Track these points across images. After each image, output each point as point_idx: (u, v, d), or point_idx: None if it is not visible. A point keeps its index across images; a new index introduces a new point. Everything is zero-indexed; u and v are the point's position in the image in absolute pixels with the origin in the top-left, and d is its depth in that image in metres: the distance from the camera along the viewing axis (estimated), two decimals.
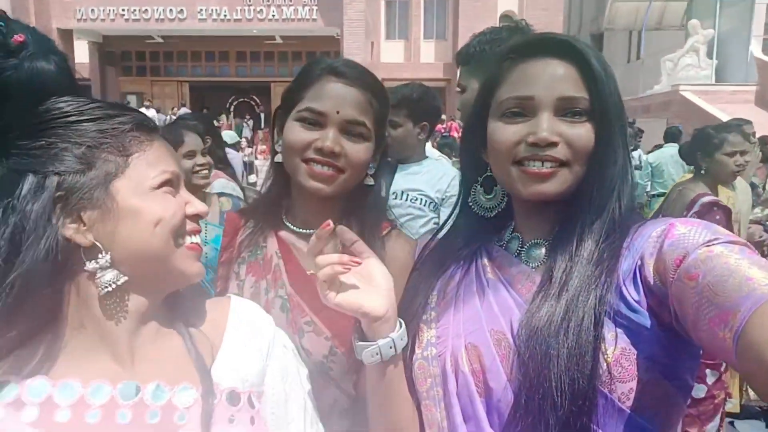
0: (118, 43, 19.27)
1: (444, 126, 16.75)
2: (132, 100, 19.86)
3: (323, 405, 0.98)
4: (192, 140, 2.31)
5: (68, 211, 0.69)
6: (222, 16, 16.97)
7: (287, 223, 1.13)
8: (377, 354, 0.79)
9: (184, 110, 17.32)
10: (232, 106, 21.42)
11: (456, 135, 14.86)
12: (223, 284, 1.15)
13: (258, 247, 1.13)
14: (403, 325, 0.81)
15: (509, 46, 0.87)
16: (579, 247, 0.77)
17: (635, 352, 0.70)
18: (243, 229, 1.16)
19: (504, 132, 0.81)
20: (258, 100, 21.74)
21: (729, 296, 0.59)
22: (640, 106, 15.31)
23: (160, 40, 18.95)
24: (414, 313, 0.88)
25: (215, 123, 16.84)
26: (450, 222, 0.99)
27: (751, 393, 3.18)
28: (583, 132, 0.78)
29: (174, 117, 16.71)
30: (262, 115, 20.72)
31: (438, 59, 23.46)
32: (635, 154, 7.16)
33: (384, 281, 0.80)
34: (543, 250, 0.84)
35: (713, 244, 0.66)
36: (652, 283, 0.71)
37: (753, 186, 3.28)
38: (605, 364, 0.70)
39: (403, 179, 2.41)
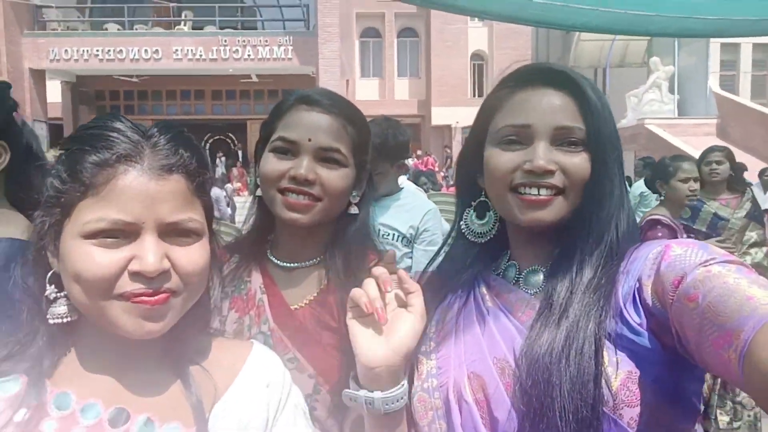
0: (92, 83, 19.17)
1: (421, 161, 16.96)
2: None
3: None
4: None
5: (50, 237, 0.69)
6: (198, 56, 17.07)
7: (272, 257, 1.11)
8: (352, 400, 0.79)
9: None
10: (208, 144, 21.37)
11: (433, 169, 15.05)
12: None
13: (242, 281, 1.10)
14: (398, 392, 0.78)
15: (508, 75, 0.88)
16: (578, 275, 0.77)
17: (641, 375, 0.70)
18: (228, 264, 1.13)
19: (500, 159, 0.82)
20: (234, 138, 21.75)
21: (731, 316, 0.59)
22: None
23: (136, 80, 18.92)
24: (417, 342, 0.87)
25: None
26: (441, 251, 0.97)
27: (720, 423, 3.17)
28: (579, 161, 0.79)
29: None
30: (240, 153, 20.70)
31: (412, 96, 23.93)
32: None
33: (399, 341, 0.78)
34: (541, 277, 0.84)
35: (710, 264, 0.66)
36: (651, 305, 0.71)
37: (717, 218, 3.34)
38: (610, 390, 0.69)
39: (375, 214, 2.39)
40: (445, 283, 0.92)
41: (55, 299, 0.69)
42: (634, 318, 0.72)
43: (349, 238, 1.08)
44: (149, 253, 0.65)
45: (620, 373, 0.70)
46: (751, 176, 7.34)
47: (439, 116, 22.54)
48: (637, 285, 0.73)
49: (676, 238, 2.70)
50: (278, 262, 1.11)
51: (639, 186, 6.41)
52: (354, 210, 1.10)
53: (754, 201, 3.45)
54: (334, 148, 1.03)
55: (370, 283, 0.79)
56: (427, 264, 1.00)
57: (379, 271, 0.80)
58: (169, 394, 0.72)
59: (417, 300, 0.81)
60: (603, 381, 0.69)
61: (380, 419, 0.79)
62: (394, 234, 2.35)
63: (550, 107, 0.80)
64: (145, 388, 0.72)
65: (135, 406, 0.69)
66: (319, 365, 1.01)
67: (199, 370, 0.75)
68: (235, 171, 17.70)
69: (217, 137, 21.62)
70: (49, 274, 0.69)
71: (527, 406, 0.72)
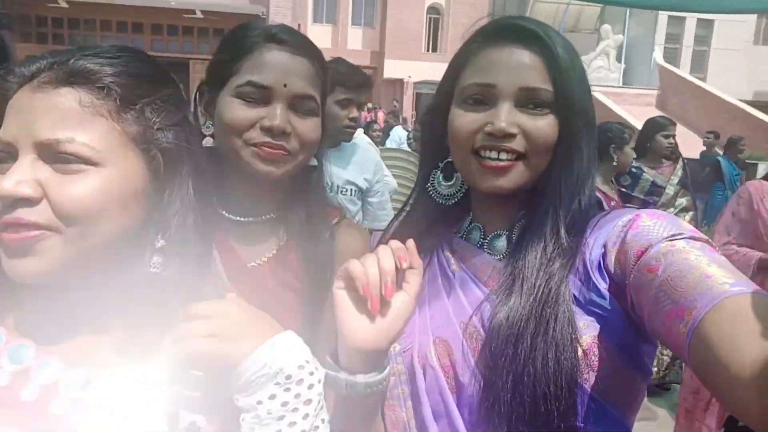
0: (16, 5, 17.45)
1: (370, 115, 16.73)
2: None
3: None
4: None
5: None
6: None
7: (222, 211, 1.00)
8: (330, 382, 0.68)
9: None
10: None
11: (382, 125, 14.89)
12: None
13: None
14: (382, 375, 0.68)
15: (478, 30, 0.83)
16: (543, 242, 0.76)
17: (605, 338, 0.70)
18: None
19: (463, 119, 0.78)
20: (175, 77, 20.57)
21: (686, 292, 0.59)
22: None
23: (65, 5, 17.34)
24: None
25: None
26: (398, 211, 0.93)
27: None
28: (542, 125, 0.76)
29: None
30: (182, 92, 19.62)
31: (365, 46, 23.36)
32: None
33: (390, 324, 0.66)
34: (505, 242, 0.82)
35: (676, 239, 0.66)
36: (612, 271, 0.71)
37: (655, 185, 3.49)
38: (581, 354, 0.69)
39: (333, 169, 2.28)
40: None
41: None
42: (601, 283, 0.72)
43: (309, 191, 1.00)
44: (6, 176, 0.56)
45: (587, 338, 0.70)
46: (683, 149, 7.71)
47: (392, 69, 22.18)
48: (603, 251, 0.73)
49: (602, 208, 2.75)
50: (230, 216, 1.00)
51: None
52: (313, 161, 1.01)
53: (684, 169, 3.64)
54: (310, 95, 0.93)
55: (371, 261, 0.66)
56: (388, 225, 0.94)
57: (397, 245, 0.68)
58: (116, 352, 0.64)
59: (415, 279, 0.68)
60: (578, 347, 0.69)
61: (359, 403, 0.70)
62: (352, 189, 2.28)
63: (517, 66, 0.76)
64: (104, 346, 0.64)
65: (94, 369, 0.61)
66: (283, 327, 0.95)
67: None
68: None
69: None
70: None
71: (493, 372, 0.71)
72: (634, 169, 3.31)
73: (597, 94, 14.60)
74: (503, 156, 0.76)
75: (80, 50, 0.62)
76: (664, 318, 0.61)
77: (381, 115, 18.10)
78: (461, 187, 0.87)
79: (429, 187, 0.89)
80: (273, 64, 0.91)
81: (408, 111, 21.24)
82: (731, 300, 0.55)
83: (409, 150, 5.98)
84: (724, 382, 0.53)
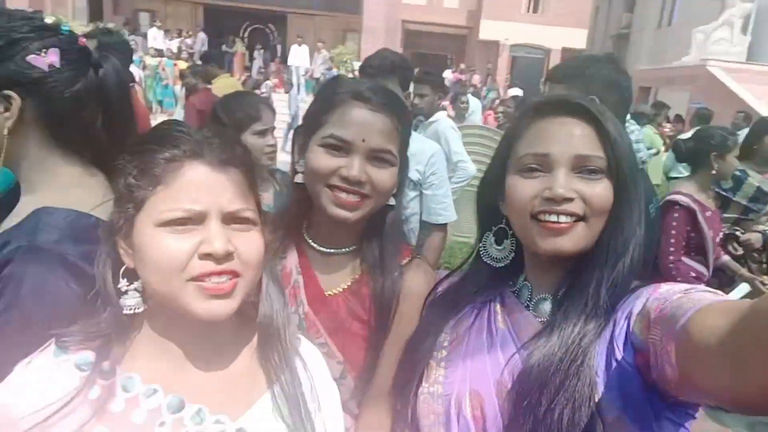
0: None
1: (465, 77, 16.32)
2: (144, 18, 19.27)
3: None
4: (268, 118, 2.17)
5: (123, 232, 0.75)
6: None
7: (308, 239, 1.13)
8: None
9: (202, 36, 16.79)
10: (246, 33, 20.78)
11: (477, 86, 14.48)
12: None
13: (276, 256, 1.12)
14: None
15: (527, 106, 0.91)
16: (586, 298, 0.80)
17: (626, 416, 0.73)
18: None
19: (521, 186, 0.85)
20: (274, 30, 21.07)
21: (678, 315, 0.63)
22: (665, 77, 14.89)
23: None
24: (426, 349, 0.93)
25: (228, 50, 16.25)
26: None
27: None
28: (599, 190, 0.82)
29: (190, 41, 16.25)
30: (279, 47, 20.14)
31: (462, 5, 22.60)
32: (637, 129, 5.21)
33: None
34: (549, 306, 0.87)
35: (689, 292, 0.69)
36: (635, 338, 0.74)
37: (761, 192, 3.12)
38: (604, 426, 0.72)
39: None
40: (462, 296, 0.97)
41: (126, 291, 0.76)
42: (626, 356, 0.75)
43: (385, 229, 1.10)
44: (217, 237, 0.72)
45: (610, 415, 0.72)
46: None
47: (488, 30, 21.37)
48: (628, 322, 0.76)
49: (695, 220, 2.60)
50: (315, 245, 1.12)
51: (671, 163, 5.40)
52: (391, 201, 1.11)
53: None
54: (387, 149, 1.03)
55: None
56: (446, 276, 1.04)
57: None
58: (226, 385, 0.79)
59: None
60: (593, 410, 0.72)
61: None
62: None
63: (570, 136, 0.83)
64: (204, 378, 0.78)
65: (192, 395, 0.75)
66: (348, 353, 1.06)
67: (263, 361, 0.82)
68: (273, 66, 17.35)
69: (256, 26, 20.98)
70: (123, 269, 0.76)
71: (515, 414, 0.76)
72: (737, 172, 3.00)
73: (715, 69, 13.22)
74: (563, 218, 0.81)
75: (213, 134, 0.79)
76: (665, 346, 0.63)
77: (477, 77, 17.57)
78: (510, 252, 0.94)
79: (481, 249, 0.96)
80: (354, 121, 1.02)
81: (502, 75, 20.49)
82: (709, 305, 0.60)
83: (488, 127, 5.66)
84: (702, 362, 0.56)
